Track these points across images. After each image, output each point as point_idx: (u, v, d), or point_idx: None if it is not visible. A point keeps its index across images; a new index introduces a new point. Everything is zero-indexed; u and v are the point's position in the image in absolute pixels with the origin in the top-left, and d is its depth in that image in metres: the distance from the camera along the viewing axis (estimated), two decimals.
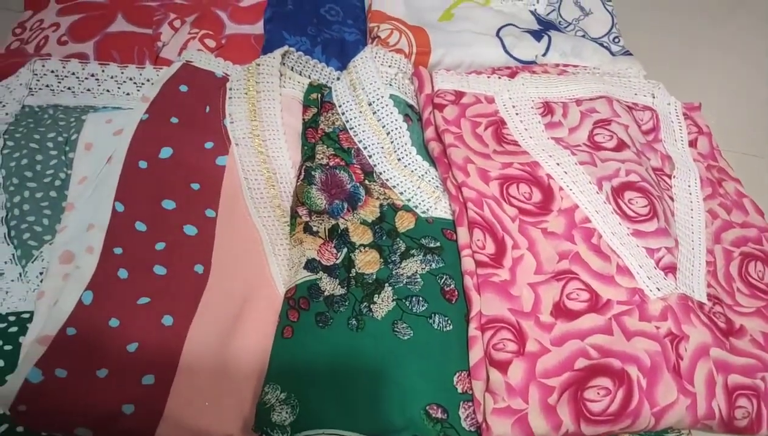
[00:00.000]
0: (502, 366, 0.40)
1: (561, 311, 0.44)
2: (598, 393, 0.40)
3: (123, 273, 0.43)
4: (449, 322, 0.44)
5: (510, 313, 0.43)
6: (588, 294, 0.44)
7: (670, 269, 0.46)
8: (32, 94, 0.56)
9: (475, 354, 0.41)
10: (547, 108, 0.57)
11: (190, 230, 0.46)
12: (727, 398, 0.41)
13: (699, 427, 0.42)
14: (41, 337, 0.38)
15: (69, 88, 0.57)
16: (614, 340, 0.42)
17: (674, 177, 0.55)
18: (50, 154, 0.51)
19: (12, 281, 0.45)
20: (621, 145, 0.54)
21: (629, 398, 0.40)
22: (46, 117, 0.54)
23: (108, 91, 0.57)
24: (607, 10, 0.72)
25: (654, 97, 0.60)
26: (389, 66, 0.58)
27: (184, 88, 0.54)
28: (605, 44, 0.68)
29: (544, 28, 0.66)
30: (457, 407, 0.40)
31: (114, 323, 0.41)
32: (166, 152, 0.49)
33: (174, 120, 0.51)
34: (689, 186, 0.55)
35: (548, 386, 0.40)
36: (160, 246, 0.45)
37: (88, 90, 0.57)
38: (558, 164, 0.51)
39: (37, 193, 0.49)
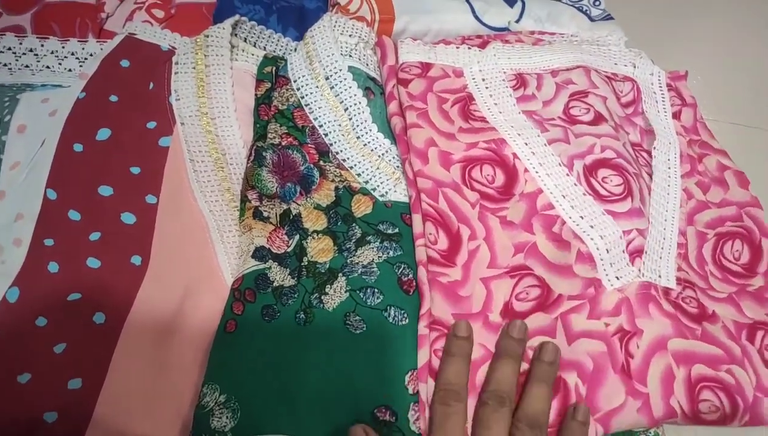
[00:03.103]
0: None
1: (509, 312, 0.41)
2: None
3: (53, 267, 0.40)
4: (405, 315, 0.41)
5: (453, 319, 0.40)
6: (539, 290, 0.41)
7: (638, 253, 0.43)
8: None
9: (423, 355, 0.38)
10: (520, 80, 0.53)
11: (128, 218, 0.43)
12: (689, 393, 0.38)
13: (662, 424, 0.39)
14: None
15: (5, 65, 0.53)
16: (555, 344, 0.40)
17: (655, 148, 0.51)
18: None
19: None
20: (598, 119, 0.50)
21: (564, 409, 0.37)
22: None
23: (48, 67, 0.53)
24: None
25: (635, 67, 0.56)
26: (349, 35, 0.54)
27: (125, 63, 0.50)
28: (585, 8, 0.64)
29: None
30: (406, 410, 0.37)
31: (41, 321, 0.38)
32: (103, 134, 0.46)
33: (113, 98, 0.47)
34: (669, 160, 0.51)
35: None
36: (94, 236, 0.42)
37: (26, 66, 0.53)
38: (526, 144, 0.48)
39: None
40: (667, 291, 0.42)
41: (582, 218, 0.44)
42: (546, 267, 0.42)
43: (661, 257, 0.44)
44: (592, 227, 0.44)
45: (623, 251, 0.43)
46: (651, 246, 0.44)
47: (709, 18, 0.72)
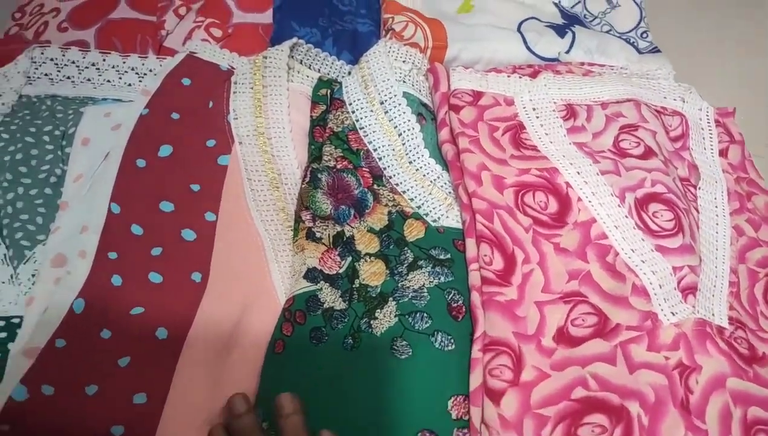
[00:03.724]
0: (496, 396, 0.38)
1: (563, 337, 0.41)
2: (593, 431, 0.38)
3: (117, 280, 0.41)
4: (452, 341, 0.41)
5: (513, 336, 0.40)
6: (596, 318, 0.42)
7: (691, 290, 0.43)
8: (30, 84, 0.54)
9: (476, 378, 0.39)
10: (570, 111, 0.53)
11: (189, 234, 0.44)
12: (745, 433, 0.38)
13: None
14: (28, 349, 0.37)
15: (68, 78, 0.54)
16: (616, 372, 0.40)
17: (700, 188, 0.51)
18: (46, 149, 0.49)
19: (2, 282, 0.43)
20: (648, 153, 0.50)
21: None
22: (44, 108, 0.52)
23: (109, 81, 0.55)
24: (636, 3, 0.68)
25: (684, 102, 0.56)
26: (403, 61, 0.55)
27: (186, 81, 0.51)
28: (632, 40, 0.65)
29: (568, 23, 0.62)
30: (449, 434, 0.38)
31: (106, 334, 0.39)
32: (165, 150, 0.47)
33: (175, 116, 0.49)
34: (715, 199, 0.51)
35: (543, 416, 0.38)
36: (156, 251, 0.43)
37: (88, 80, 0.55)
38: (578, 173, 0.48)
39: (32, 190, 0.47)
40: (720, 330, 0.42)
41: (633, 251, 0.45)
42: (601, 296, 0.42)
43: (713, 295, 0.44)
44: (643, 261, 0.44)
45: (675, 288, 0.43)
46: (704, 283, 0.44)
47: (757, 57, 0.73)
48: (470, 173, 0.47)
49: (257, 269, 0.45)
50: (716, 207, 0.51)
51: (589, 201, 0.47)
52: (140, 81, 0.55)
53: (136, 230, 0.43)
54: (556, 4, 0.64)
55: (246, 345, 0.41)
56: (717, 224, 0.49)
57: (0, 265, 0.44)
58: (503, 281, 0.42)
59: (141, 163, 0.46)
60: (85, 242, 0.42)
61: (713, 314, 0.43)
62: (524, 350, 0.40)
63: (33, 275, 0.44)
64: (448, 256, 0.45)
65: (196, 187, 0.46)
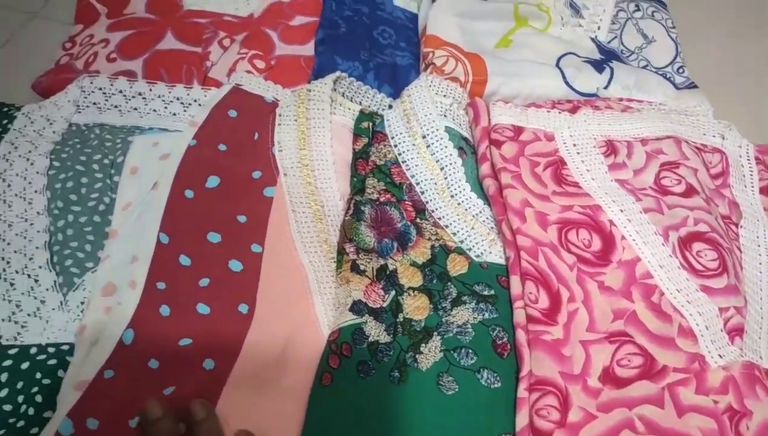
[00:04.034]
0: None
1: (609, 378, 0.41)
2: None
3: (165, 310, 0.42)
4: (498, 378, 0.41)
5: (560, 376, 0.40)
6: (642, 359, 0.41)
7: (737, 332, 0.43)
8: (79, 112, 0.55)
9: (522, 418, 0.39)
10: (611, 147, 0.54)
11: (236, 265, 0.45)
12: None
13: None
14: (79, 382, 0.37)
15: (116, 107, 0.56)
16: (665, 414, 0.39)
17: (742, 227, 0.51)
18: (95, 177, 0.50)
19: (53, 309, 0.44)
20: (690, 191, 0.50)
21: None
22: (92, 137, 0.53)
23: (155, 110, 0.56)
24: (671, 38, 0.69)
25: (724, 139, 0.56)
26: (444, 96, 0.56)
27: (233, 113, 0.52)
28: (669, 75, 0.65)
29: (606, 58, 0.63)
30: None
31: (153, 364, 0.39)
32: (213, 181, 0.48)
33: (222, 147, 0.50)
34: (758, 237, 0.51)
35: None
36: (204, 282, 0.43)
37: (135, 109, 0.56)
38: (621, 211, 0.48)
39: (81, 217, 0.48)
40: None
41: (678, 291, 0.44)
42: (647, 337, 0.42)
43: (760, 337, 0.44)
44: (689, 302, 0.44)
45: (721, 330, 0.43)
46: (750, 325, 0.44)
47: None
48: (514, 209, 0.47)
49: (301, 300, 0.45)
50: (759, 246, 0.51)
51: (633, 240, 0.47)
52: (185, 111, 0.56)
53: (184, 260, 0.44)
54: (593, 39, 0.65)
55: (291, 376, 0.41)
56: (761, 264, 0.49)
57: (50, 292, 0.45)
58: (549, 320, 0.42)
59: (189, 193, 0.47)
60: (135, 272, 0.43)
61: (761, 357, 0.43)
62: (571, 391, 0.40)
63: (82, 303, 0.44)
64: (492, 292, 0.45)
65: (242, 219, 0.47)
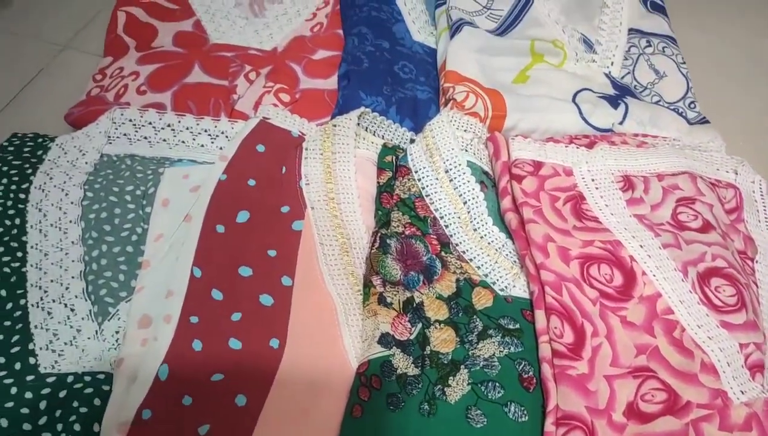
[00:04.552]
0: None
1: (634, 413, 0.42)
2: None
3: (197, 345, 0.42)
4: (525, 412, 0.42)
5: (586, 411, 0.41)
6: (666, 394, 0.42)
7: (758, 368, 0.44)
8: (110, 143, 0.57)
9: None
10: (628, 182, 0.55)
11: (267, 299, 0.46)
12: None
13: None
14: (120, 424, 0.38)
15: (145, 138, 0.57)
16: None
17: (757, 262, 0.53)
18: (128, 208, 0.51)
19: (88, 338, 0.45)
20: (706, 227, 0.52)
21: None
22: (124, 167, 0.55)
23: (183, 142, 0.58)
24: (682, 73, 0.71)
25: (737, 174, 0.58)
26: (465, 130, 0.57)
27: (261, 148, 0.53)
28: (681, 110, 0.67)
29: (620, 94, 0.64)
30: None
31: (187, 400, 0.40)
32: (243, 216, 0.49)
33: (251, 182, 0.51)
34: None
35: None
36: (236, 317, 0.44)
37: (164, 140, 0.58)
38: (641, 247, 0.49)
39: (115, 247, 0.49)
40: None
41: (699, 326, 0.45)
42: (670, 372, 0.43)
43: None
44: (710, 338, 0.45)
45: (743, 366, 0.44)
46: None
47: None
48: (537, 245, 0.48)
49: (330, 333, 0.46)
50: None
51: (654, 275, 0.48)
52: (212, 142, 0.58)
53: (217, 294, 0.45)
54: (607, 75, 0.67)
55: (321, 409, 0.42)
56: None
57: (86, 321, 0.46)
58: (574, 355, 0.43)
59: (220, 228, 0.48)
60: (171, 307, 0.43)
61: None
62: (597, 425, 0.41)
63: (117, 332, 0.45)
64: (517, 326, 0.46)
65: (272, 253, 0.48)
